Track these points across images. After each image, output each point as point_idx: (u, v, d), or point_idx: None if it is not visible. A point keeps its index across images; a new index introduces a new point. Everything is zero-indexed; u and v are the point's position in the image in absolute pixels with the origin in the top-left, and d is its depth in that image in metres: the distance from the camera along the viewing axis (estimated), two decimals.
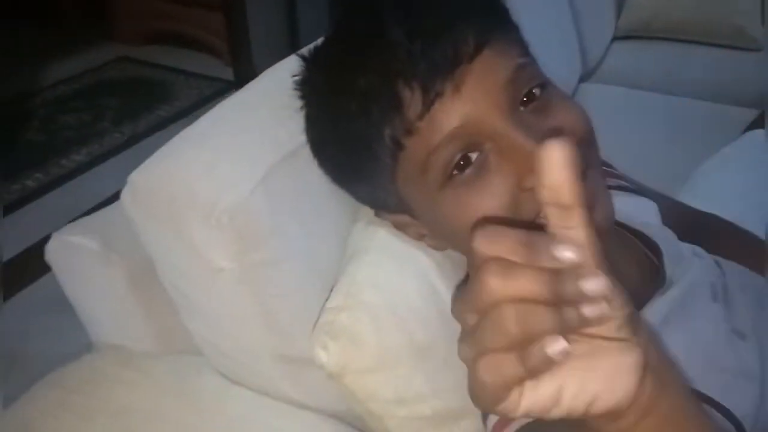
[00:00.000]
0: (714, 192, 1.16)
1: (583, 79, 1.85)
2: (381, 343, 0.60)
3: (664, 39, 2.02)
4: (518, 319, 0.29)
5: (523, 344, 0.29)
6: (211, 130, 0.62)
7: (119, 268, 0.67)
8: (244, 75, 2.60)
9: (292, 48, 0.64)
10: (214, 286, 0.58)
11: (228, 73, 2.91)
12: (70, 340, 0.75)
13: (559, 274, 0.29)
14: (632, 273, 0.62)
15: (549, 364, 0.29)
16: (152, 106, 2.77)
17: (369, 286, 0.62)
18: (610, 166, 0.82)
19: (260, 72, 0.71)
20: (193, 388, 0.66)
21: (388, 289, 0.63)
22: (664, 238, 0.69)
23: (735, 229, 0.86)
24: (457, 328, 0.66)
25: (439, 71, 0.49)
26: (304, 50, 0.62)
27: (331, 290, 0.63)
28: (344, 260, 0.66)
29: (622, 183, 0.81)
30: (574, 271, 0.29)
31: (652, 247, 0.66)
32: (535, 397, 0.31)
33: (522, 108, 0.52)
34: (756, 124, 1.39)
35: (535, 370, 0.29)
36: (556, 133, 0.50)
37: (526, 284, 0.29)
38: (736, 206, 0.99)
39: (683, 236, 0.73)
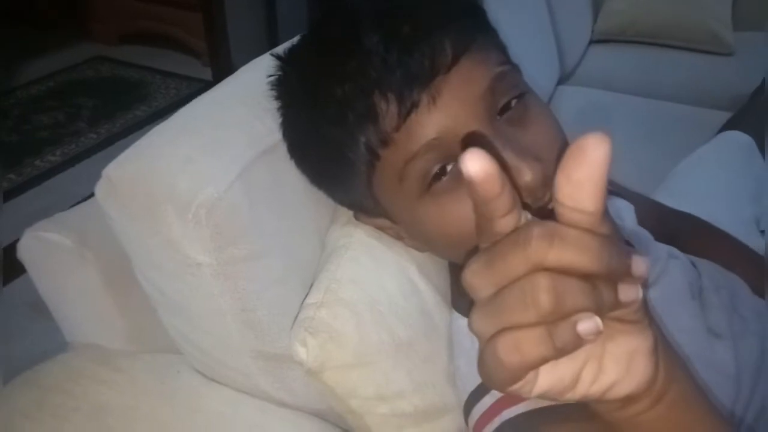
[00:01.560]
0: (689, 191, 1.18)
1: (561, 81, 1.88)
2: (361, 339, 0.60)
3: (639, 43, 2.06)
4: (553, 290, 0.26)
5: (552, 320, 0.26)
6: (188, 124, 0.61)
7: (94, 266, 0.66)
8: (222, 75, 2.56)
9: (271, 48, 0.63)
10: (191, 281, 0.58)
11: (206, 73, 2.89)
12: (43, 341, 0.74)
13: (609, 245, 0.26)
14: None
15: (577, 345, 0.26)
16: (128, 106, 2.74)
17: (349, 283, 0.61)
18: None
19: None
20: (171, 386, 0.65)
21: (368, 285, 0.63)
22: (640, 239, 0.70)
23: (709, 228, 0.88)
24: (437, 325, 0.66)
25: (415, 82, 0.49)
26: (279, 49, 0.61)
27: (311, 286, 0.63)
28: (323, 257, 0.66)
29: None
30: (624, 246, 0.27)
31: None
32: (552, 379, 0.30)
33: (498, 117, 0.52)
34: (729, 125, 1.41)
35: (562, 350, 0.26)
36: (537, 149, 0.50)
37: (575, 252, 0.26)
38: (711, 204, 1.01)
39: (659, 236, 0.74)
